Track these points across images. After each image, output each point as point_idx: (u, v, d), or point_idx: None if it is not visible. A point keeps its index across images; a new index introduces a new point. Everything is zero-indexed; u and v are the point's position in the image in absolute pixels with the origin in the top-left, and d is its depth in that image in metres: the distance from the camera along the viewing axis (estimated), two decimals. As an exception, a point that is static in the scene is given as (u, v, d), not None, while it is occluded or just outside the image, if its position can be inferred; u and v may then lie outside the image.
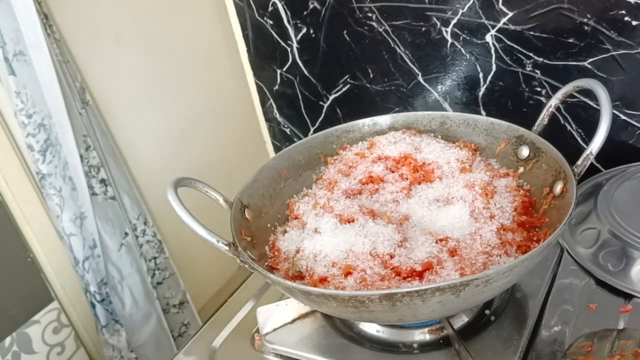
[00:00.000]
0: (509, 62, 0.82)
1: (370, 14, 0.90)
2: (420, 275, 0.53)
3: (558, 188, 0.58)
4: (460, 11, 0.82)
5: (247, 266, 0.54)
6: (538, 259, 0.50)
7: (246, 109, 1.19)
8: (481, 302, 0.60)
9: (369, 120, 0.76)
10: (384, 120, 0.75)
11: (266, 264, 0.62)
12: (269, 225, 0.67)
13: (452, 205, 0.61)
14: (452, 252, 0.55)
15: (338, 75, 1.00)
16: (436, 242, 0.56)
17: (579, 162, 0.56)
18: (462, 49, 0.85)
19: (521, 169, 0.65)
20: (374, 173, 0.68)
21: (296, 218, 0.66)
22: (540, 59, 0.79)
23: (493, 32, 0.81)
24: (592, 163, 0.57)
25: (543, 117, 0.65)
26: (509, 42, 0.80)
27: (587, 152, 0.55)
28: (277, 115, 1.15)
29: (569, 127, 0.81)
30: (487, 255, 0.54)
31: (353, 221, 0.60)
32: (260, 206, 0.67)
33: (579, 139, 0.82)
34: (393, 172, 0.68)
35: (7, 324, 0.92)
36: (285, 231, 0.65)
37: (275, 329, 0.64)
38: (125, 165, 1.08)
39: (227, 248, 0.54)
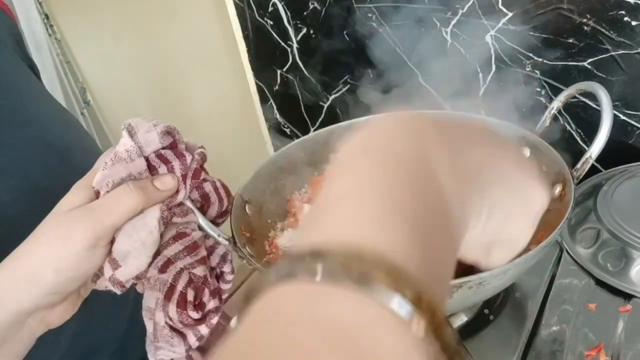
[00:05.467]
0: (508, 63, 0.82)
1: (370, 14, 0.90)
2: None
3: (557, 191, 0.58)
4: (460, 11, 0.82)
5: (245, 262, 0.54)
6: (533, 262, 0.50)
7: (246, 109, 1.19)
8: (476, 303, 0.60)
9: (372, 117, 0.76)
10: (385, 118, 0.75)
11: (264, 259, 0.62)
12: (269, 221, 0.67)
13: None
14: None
15: (338, 75, 1.01)
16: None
17: (578, 165, 0.56)
18: (462, 49, 0.85)
19: None
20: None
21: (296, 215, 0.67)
22: (540, 59, 0.79)
23: (493, 32, 0.81)
24: (591, 163, 0.57)
25: (545, 119, 0.65)
26: (508, 43, 0.80)
27: (587, 155, 0.55)
28: (277, 116, 1.15)
29: (568, 128, 0.81)
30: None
31: None
32: (260, 202, 0.67)
33: (578, 140, 0.82)
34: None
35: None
36: (285, 228, 0.65)
37: (274, 329, 0.63)
38: (126, 166, 1.08)
39: (227, 243, 0.54)
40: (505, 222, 0.29)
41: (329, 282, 0.19)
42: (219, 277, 0.52)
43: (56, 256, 0.40)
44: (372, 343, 0.17)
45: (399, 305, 0.18)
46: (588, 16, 0.73)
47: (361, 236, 0.20)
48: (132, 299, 0.47)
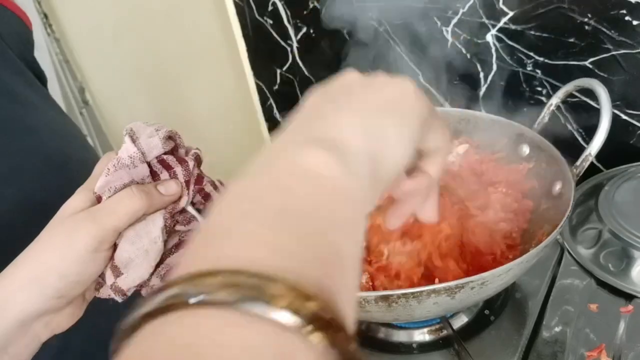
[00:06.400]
0: (509, 62, 0.82)
1: (370, 13, 0.90)
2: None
3: (557, 188, 0.58)
4: (461, 11, 0.82)
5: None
6: (534, 261, 0.50)
7: (246, 109, 1.19)
8: (477, 302, 0.60)
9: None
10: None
11: None
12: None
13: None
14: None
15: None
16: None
17: (578, 162, 0.56)
18: (463, 49, 0.85)
19: (521, 167, 0.65)
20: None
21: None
22: (541, 59, 0.79)
23: (494, 31, 0.81)
24: (593, 163, 0.56)
25: (544, 116, 0.64)
26: (509, 42, 0.80)
27: (586, 152, 0.55)
28: (277, 115, 1.15)
29: (569, 127, 0.81)
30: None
31: None
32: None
33: (579, 139, 0.81)
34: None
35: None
36: None
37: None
38: (125, 165, 1.08)
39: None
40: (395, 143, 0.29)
41: (211, 306, 0.18)
42: None
43: (59, 260, 0.39)
44: None
45: (290, 319, 0.18)
46: (589, 15, 0.73)
47: (252, 256, 0.20)
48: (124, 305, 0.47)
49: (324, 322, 0.18)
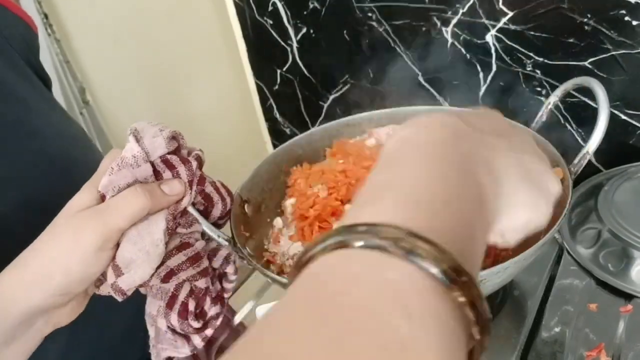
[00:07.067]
0: (509, 62, 0.82)
1: (370, 14, 0.90)
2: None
3: (556, 187, 0.58)
4: (461, 11, 0.82)
5: (246, 262, 0.54)
6: (532, 259, 0.50)
7: (246, 109, 1.19)
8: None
9: (369, 114, 0.75)
10: (384, 114, 0.75)
11: (265, 259, 0.62)
12: (268, 220, 0.67)
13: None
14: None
15: (338, 75, 1.00)
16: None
17: (576, 161, 0.56)
18: (463, 49, 0.85)
19: None
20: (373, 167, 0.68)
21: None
22: (541, 59, 0.79)
23: (493, 32, 0.81)
24: (592, 163, 0.56)
25: (542, 114, 0.64)
26: (509, 42, 0.80)
27: (584, 151, 0.55)
28: (277, 115, 1.15)
29: (568, 127, 0.81)
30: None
31: None
32: (260, 201, 0.67)
33: (579, 139, 0.81)
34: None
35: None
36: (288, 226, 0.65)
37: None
38: (125, 165, 1.08)
39: (227, 243, 0.54)
40: (524, 209, 0.31)
41: (382, 252, 0.21)
42: (222, 276, 0.52)
43: (65, 258, 0.40)
44: (421, 305, 0.20)
45: (443, 275, 0.21)
46: (589, 16, 0.73)
47: (404, 218, 0.23)
48: (131, 304, 0.47)
49: (463, 280, 0.22)
